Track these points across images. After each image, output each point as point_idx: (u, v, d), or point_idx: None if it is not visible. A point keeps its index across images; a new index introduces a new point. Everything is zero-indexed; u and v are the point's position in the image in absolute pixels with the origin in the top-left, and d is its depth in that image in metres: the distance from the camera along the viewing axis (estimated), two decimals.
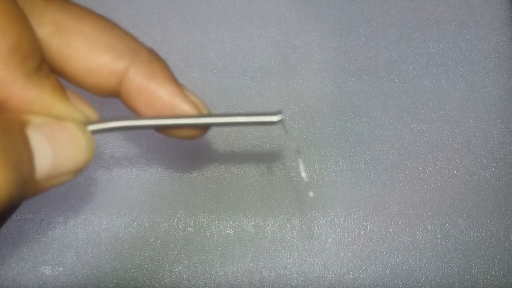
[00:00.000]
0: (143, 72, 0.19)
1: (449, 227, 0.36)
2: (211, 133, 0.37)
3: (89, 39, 0.18)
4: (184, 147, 0.37)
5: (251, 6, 0.40)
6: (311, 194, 0.34)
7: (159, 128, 0.20)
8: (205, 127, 0.21)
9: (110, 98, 0.20)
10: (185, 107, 0.19)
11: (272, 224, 0.35)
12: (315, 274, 0.35)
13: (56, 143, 0.17)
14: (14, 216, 0.35)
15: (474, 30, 0.40)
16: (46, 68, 0.17)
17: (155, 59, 0.19)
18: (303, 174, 0.22)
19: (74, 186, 0.36)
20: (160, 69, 0.19)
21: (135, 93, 0.19)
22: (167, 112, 0.19)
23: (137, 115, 0.20)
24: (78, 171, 0.18)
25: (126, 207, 0.35)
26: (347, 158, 0.37)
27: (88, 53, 0.18)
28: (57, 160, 0.17)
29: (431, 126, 0.38)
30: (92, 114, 0.19)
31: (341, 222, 0.36)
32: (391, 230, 0.36)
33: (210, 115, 0.20)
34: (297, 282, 0.35)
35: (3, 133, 0.15)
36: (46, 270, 0.34)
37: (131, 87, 0.19)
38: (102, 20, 0.19)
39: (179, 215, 0.35)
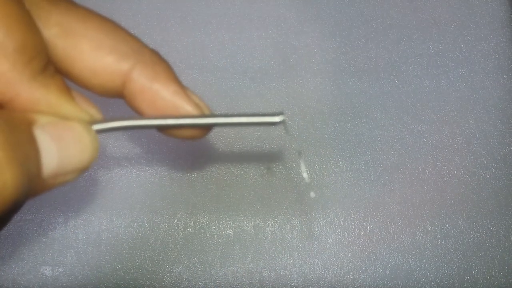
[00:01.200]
0: (146, 73, 0.19)
1: (449, 227, 0.36)
2: (211, 134, 0.37)
3: (94, 41, 0.18)
4: (184, 147, 0.37)
5: (251, 7, 0.40)
6: (312, 194, 0.34)
7: (162, 128, 0.20)
8: (207, 128, 0.21)
9: (114, 98, 0.20)
10: (188, 108, 0.19)
11: (272, 224, 0.36)
12: (315, 275, 0.35)
13: (61, 142, 0.17)
14: (15, 217, 0.35)
15: (474, 31, 0.40)
16: (52, 68, 0.18)
17: (158, 61, 0.20)
18: (305, 175, 0.22)
19: (74, 187, 0.36)
20: (163, 70, 0.19)
21: (138, 94, 0.19)
22: (170, 113, 0.19)
23: (141, 115, 0.20)
24: (83, 170, 0.18)
25: (126, 207, 0.35)
26: (347, 158, 0.37)
27: (93, 54, 0.18)
28: (62, 158, 0.17)
29: (431, 126, 0.38)
30: (96, 114, 0.19)
31: (341, 222, 0.36)
32: (391, 231, 0.36)
33: (212, 115, 0.21)
34: (297, 283, 0.35)
35: (11, 132, 0.15)
36: (46, 271, 0.34)
37: (134, 87, 0.19)
38: (107, 22, 0.19)
39: (179, 215, 0.35)
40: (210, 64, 0.39)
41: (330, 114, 0.38)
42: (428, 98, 0.38)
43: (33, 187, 0.16)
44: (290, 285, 0.35)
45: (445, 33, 0.40)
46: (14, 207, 0.16)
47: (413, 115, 0.38)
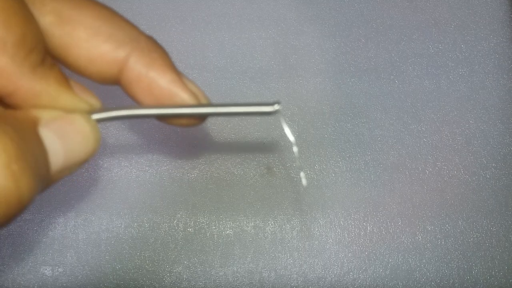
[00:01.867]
0: (143, 61, 0.19)
1: (449, 227, 0.36)
2: (211, 134, 0.37)
3: (90, 29, 0.18)
4: (184, 148, 0.37)
5: (251, 7, 0.40)
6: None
7: (160, 117, 0.21)
8: (204, 117, 0.21)
9: (111, 85, 0.20)
10: (184, 96, 0.19)
11: (272, 224, 0.36)
12: (315, 275, 0.35)
13: (65, 137, 0.17)
14: None
15: (474, 31, 0.40)
16: (50, 59, 0.18)
17: (155, 48, 0.20)
18: (298, 163, 0.22)
19: (74, 187, 0.36)
20: (160, 58, 0.19)
21: (135, 81, 0.19)
22: (166, 100, 0.19)
23: (138, 105, 0.20)
24: (86, 161, 0.18)
25: (126, 207, 0.35)
26: (347, 158, 0.37)
27: (89, 42, 0.18)
28: (67, 153, 0.17)
29: (431, 126, 0.38)
30: (95, 103, 0.19)
31: (341, 222, 0.36)
32: (391, 231, 0.36)
33: (209, 105, 0.21)
34: (297, 283, 0.35)
35: (21, 139, 0.15)
36: (46, 271, 0.34)
37: (131, 75, 0.19)
38: (103, 8, 0.19)
39: (179, 215, 0.35)
40: (210, 64, 0.39)
41: (330, 114, 0.38)
42: (428, 98, 0.38)
43: (43, 186, 0.17)
44: (290, 285, 0.35)
45: (445, 33, 0.40)
46: (26, 208, 0.16)
47: (413, 115, 0.38)
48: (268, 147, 0.37)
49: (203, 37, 0.39)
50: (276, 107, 0.20)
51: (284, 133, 0.21)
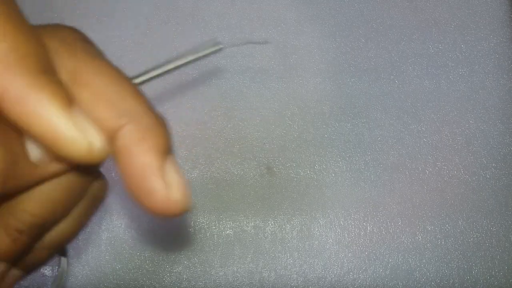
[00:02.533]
0: (134, 136, 0.18)
1: (449, 227, 0.36)
2: (211, 134, 0.37)
3: (96, 93, 0.18)
4: (184, 148, 0.37)
5: (251, 8, 0.40)
6: None
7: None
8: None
9: None
10: (155, 185, 0.18)
11: (272, 224, 0.36)
12: (315, 275, 0.35)
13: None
14: None
15: (474, 31, 0.40)
16: (54, 74, 0.17)
17: (156, 129, 0.19)
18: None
19: None
20: (152, 139, 0.19)
21: (118, 150, 0.19)
22: (137, 179, 0.19)
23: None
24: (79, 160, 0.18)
25: (126, 207, 0.35)
26: (347, 158, 0.37)
27: (89, 105, 0.18)
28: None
29: (431, 126, 0.38)
30: (94, 136, 0.18)
31: (341, 222, 0.36)
32: (391, 231, 0.36)
33: (166, 62, 0.22)
34: (297, 283, 0.35)
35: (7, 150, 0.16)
36: (46, 271, 0.34)
37: (117, 143, 0.19)
38: (119, 75, 0.19)
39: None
40: (210, 64, 0.39)
41: (330, 114, 0.38)
42: (428, 98, 0.38)
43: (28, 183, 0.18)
44: (290, 285, 0.35)
45: (445, 33, 0.40)
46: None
47: (413, 115, 0.38)
48: (268, 147, 0.37)
49: (203, 37, 0.39)
50: (219, 46, 0.22)
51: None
